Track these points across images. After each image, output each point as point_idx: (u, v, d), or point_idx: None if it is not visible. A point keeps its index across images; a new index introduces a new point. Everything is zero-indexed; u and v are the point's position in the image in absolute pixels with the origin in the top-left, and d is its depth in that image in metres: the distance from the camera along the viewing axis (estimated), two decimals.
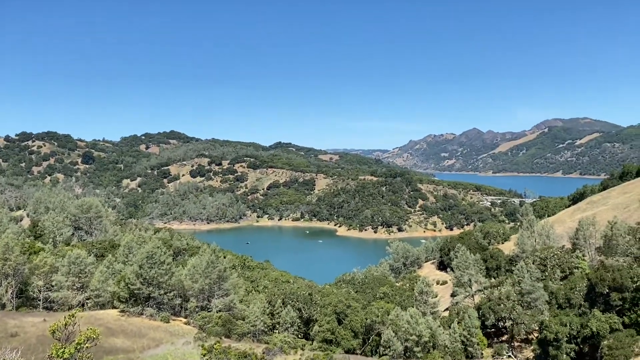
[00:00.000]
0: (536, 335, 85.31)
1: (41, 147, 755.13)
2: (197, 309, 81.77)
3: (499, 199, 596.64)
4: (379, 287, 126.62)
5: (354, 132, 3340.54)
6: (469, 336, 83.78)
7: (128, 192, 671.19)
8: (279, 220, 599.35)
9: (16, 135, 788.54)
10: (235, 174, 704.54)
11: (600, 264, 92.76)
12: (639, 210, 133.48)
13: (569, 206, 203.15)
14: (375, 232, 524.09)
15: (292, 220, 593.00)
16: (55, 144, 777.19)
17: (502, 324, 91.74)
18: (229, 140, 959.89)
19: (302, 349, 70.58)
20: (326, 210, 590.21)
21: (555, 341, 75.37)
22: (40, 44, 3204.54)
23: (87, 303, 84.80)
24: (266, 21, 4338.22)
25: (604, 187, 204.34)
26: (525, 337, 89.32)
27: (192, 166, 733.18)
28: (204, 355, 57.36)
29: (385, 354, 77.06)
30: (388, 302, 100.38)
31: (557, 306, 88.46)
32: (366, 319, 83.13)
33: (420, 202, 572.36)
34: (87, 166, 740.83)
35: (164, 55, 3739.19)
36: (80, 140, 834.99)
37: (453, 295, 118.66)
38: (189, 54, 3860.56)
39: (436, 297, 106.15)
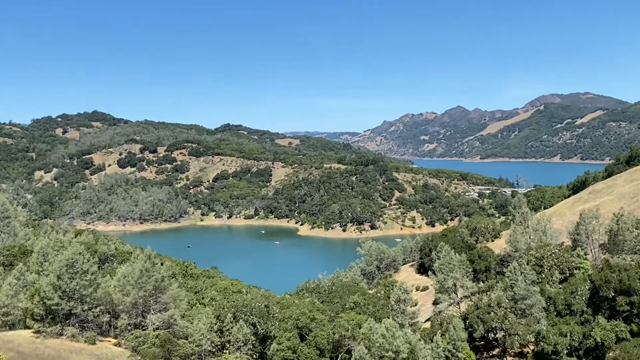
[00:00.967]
0: (532, 347, 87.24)
1: None
2: (129, 327, 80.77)
3: (488, 189, 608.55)
4: (348, 295, 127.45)
5: (318, 112, 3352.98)
6: (454, 351, 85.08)
7: (42, 186, 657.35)
8: (228, 218, 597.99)
9: None
10: (174, 163, 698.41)
11: (604, 264, 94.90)
12: None
13: (569, 196, 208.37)
14: (344, 230, 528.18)
15: (245, 218, 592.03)
16: None
17: (492, 335, 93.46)
18: (166, 122, 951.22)
19: None
20: (285, 205, 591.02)
21: (554, 354, 76.90)
22: None
23: None
24: None
25: (609, 173, 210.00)
26: (519, 350, 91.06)
27: (121, 154, 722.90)
28: None
29: None
30: (360, 313, 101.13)
31: (555, 313, 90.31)
32: (334, 334, 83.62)
33: (397, 194, 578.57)
34: None
35: (79, 18, 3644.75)
36: None
37: (435, 303, 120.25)
38: (110, 19, 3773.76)
39: (416, 305, 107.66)
